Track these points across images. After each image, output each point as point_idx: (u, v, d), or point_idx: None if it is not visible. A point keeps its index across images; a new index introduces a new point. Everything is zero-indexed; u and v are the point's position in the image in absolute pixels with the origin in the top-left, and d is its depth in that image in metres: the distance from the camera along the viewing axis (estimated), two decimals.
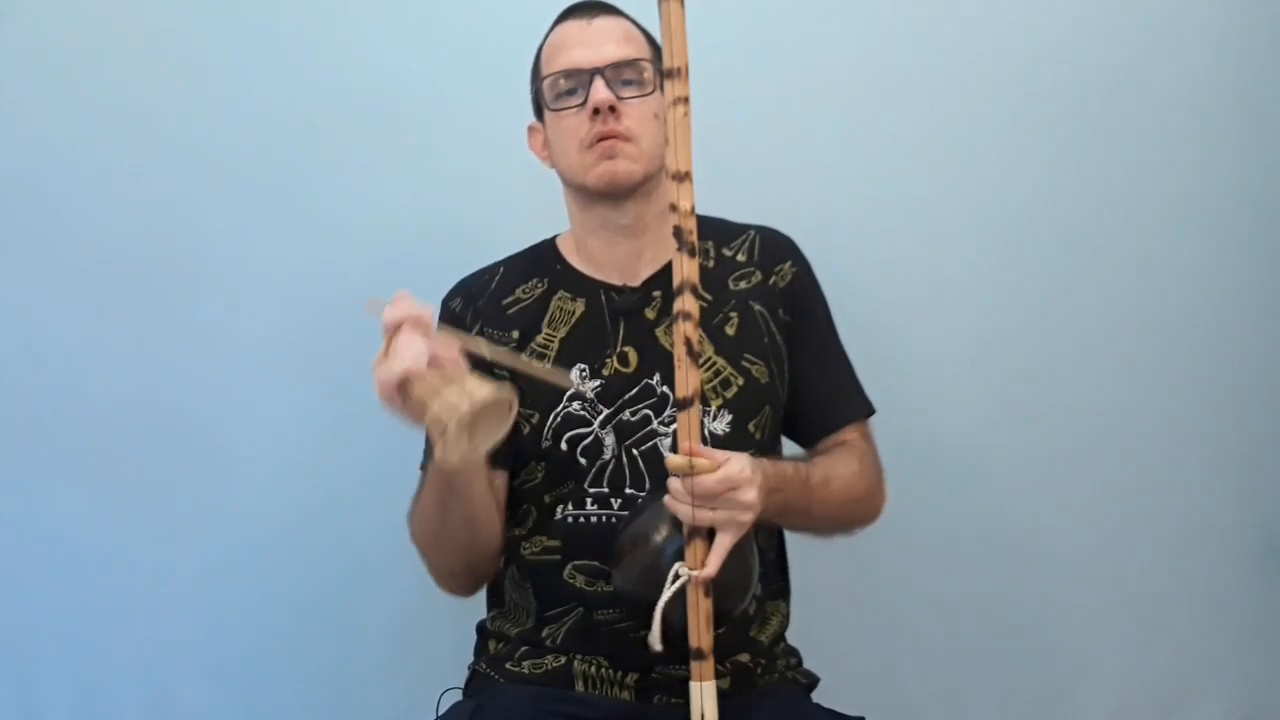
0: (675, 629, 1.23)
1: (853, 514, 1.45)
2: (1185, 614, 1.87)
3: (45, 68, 1.78)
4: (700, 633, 1.23)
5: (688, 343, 1.22)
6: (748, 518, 1.23)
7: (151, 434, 1.79)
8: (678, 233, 1.22)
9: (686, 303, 1.23)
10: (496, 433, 1.19)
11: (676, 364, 1.23)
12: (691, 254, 1.23)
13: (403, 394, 1.16)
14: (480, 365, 1.25)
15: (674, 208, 1.22)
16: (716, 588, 1.23)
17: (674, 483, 1.23)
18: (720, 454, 1.23)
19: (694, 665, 1.24)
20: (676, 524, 1.24)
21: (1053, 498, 1.85)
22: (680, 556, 1.23)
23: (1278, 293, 1.86)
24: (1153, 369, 1.85)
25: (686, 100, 1.21)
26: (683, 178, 1.21)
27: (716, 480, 1.21)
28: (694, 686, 1.24)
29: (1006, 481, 1.85)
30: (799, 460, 1.39)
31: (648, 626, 1.23)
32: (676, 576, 1.22)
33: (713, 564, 1.22)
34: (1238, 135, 1.85)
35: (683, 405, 1.23)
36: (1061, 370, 1.84)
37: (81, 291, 1.79)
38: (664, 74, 1.22)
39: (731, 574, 1.23)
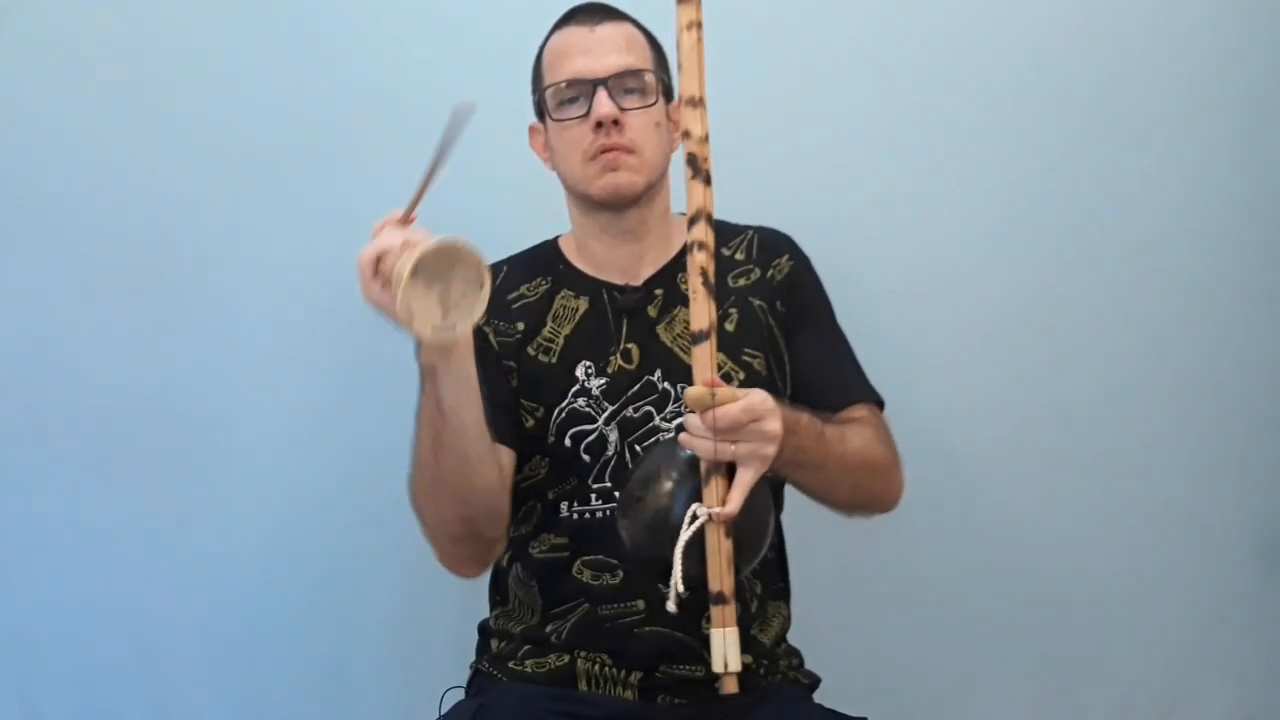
0: (692, 578, 1.15)
1: (869, 483, 1.40)
2: (1185, 614, 1.86)
3: (50, 61, 1.78)
4: (722, 575, 1.15)
5: (703, 273, 1.18)
6: (771, 450, 1.17)
7: (151, 434, 1.79)
8: (691, 160, 1.18)
9: (701, 232, 1.18)
10: (474, 307, 1.17)
11: (692, 295, 1.18)
12: (706, 182, 1.18)
13: (380, 282, 1.18)
14: None
15: (687, 134, 1.19)
16: (734, 534, 1.16)
17: (691, 419, 1.17)
18: (738, 390, 1.18)
19: (715, 611, 1.16)
20: (688, 467, 1.18)
21: (1052, 498, 1.85)
22: (696, 499, 1.16)
23: (1277, 292, 1.86)
24: (1152, 367, 1.85)
25: (699, 25, 1.18)
26: (696, 103, 1.18)
27: (741, 408, 1.15)
28: (715, 633, 1.17)
29: (1006, 482, 1.85)
30: (815, 414, 1.32)
31: (659, 579, 1.16)
32: (694, 518, 1.15)
33: (735, 500, 1.15)
34: (1240, 131, 1.85)
35: (698, 339, 1.17)
36: (1061, 369, 1.84)
37: (82, 288, 1.79)
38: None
39: (749, 523, 1.17)
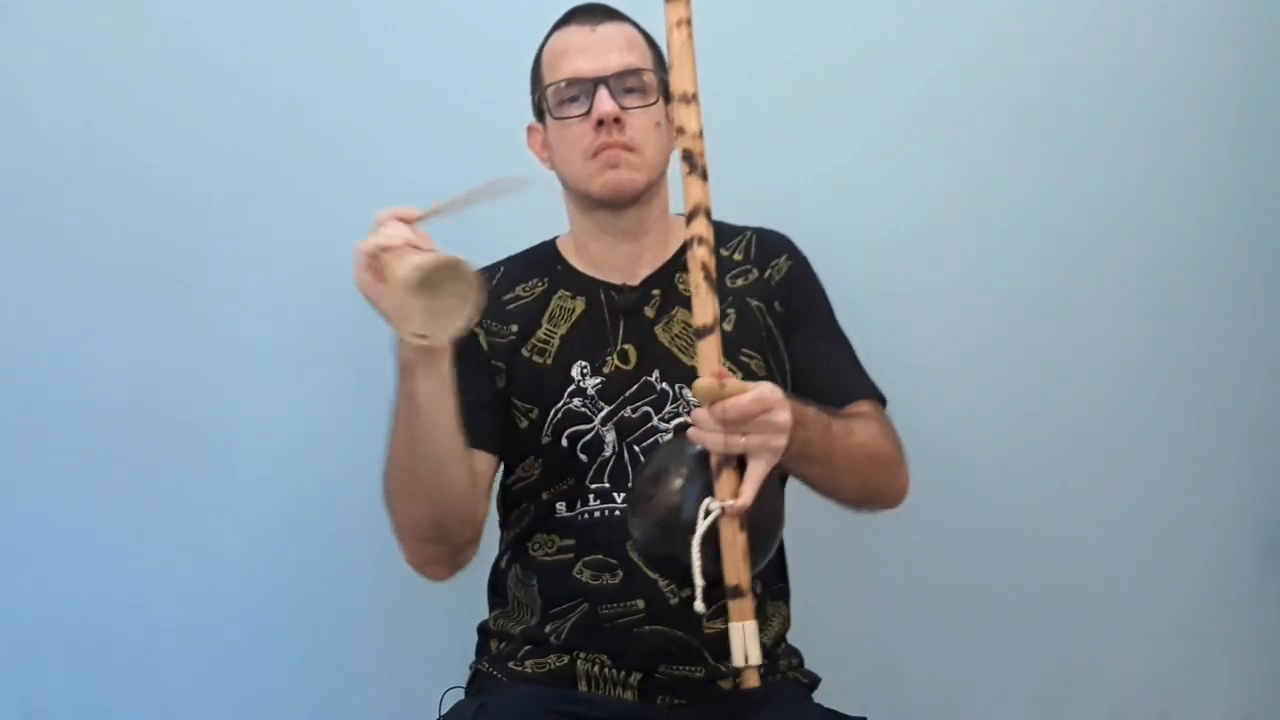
0: (709, 574, 1.14)
1: (875, 478, 1.39)
2: (1185, 613, 1.87)
3: (50, 61, 1.78)
4: (738, 568, 1.14)
5: (704, 268, 1.17)
6: (781, 441, 1.16)
7: (151, 434, 1.79)
8: (687, 155, 1.18)
9: (700, 227, 1.18)
10: (458, 319, 1.19)
11: (694, 290, 1.17)
12: (703, 177, 1.18)
13: (376, 276, 1.21)
14: None
15: (681, 130, 1.19)
16: (747, 528, 1.15)
17: (700, 413, 1.15)
18: (746, 382, 1.17)
19: (733, 605, 1.15)
20: (697, 463, 1.17)
21: (1052, 497, 1.85)
22: (706, 494, 1.15)
23: (1277, 290, 1.86)
24: (1152, 367, 1.85)
25: (689, 22, 1.18)
26: (689, 100, 1.18)
27: (751, 399, 1.14)
28: (734, 627, 1.15)
29: (1006, 481, 1.85)
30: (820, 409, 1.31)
31: (675, 578, 1.16)
32: (708, 512, 1.13)
33: (748, 491, 1.14)
34: (1239, 128, 1.85)
35: (702, 333, 1.17)
36: (1060, 368, 1.84)
37: (82, 288, 1.79)
38: None
39: (760, 517, 1.16)
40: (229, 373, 1.80)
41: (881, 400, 1.47)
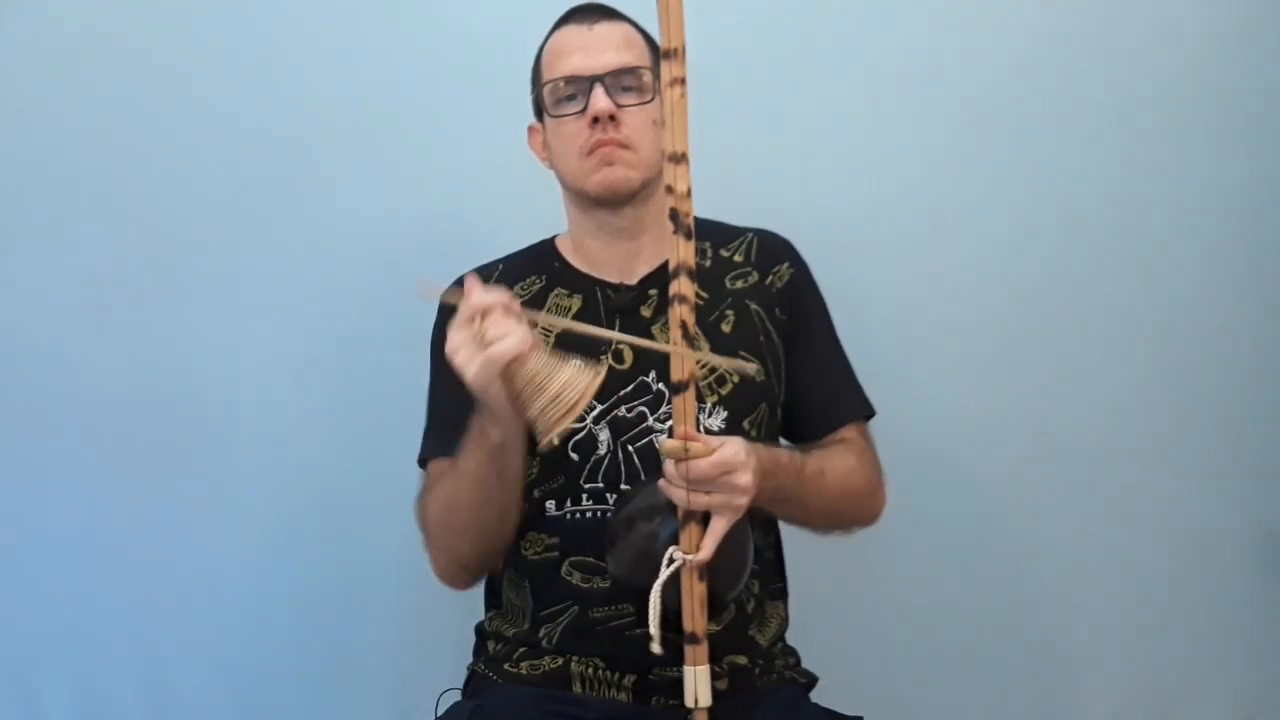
0: (669, 613, 1.22)
1: (850, 510, 1.44)
2: (1185, 614, 1.87)
3: (43, 71, 1.79)
4: (694, 617, 1.22)
5: (683, 326, 1.21)
6: (743, 501, 1.22)
7: (151, 434, 1.79)
8: (674, 215, 1.21)
9: (682, 286, 1.21)
10: (578, 403, 1.21)
11: (672, 348, 1.22)
12: (688, 237, 1.21)
13: (504, 378, 1.19)
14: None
15: (670, 190, 1.21)
16: (711, 572, 1.22)
17: (669, 467, 1.21)
18: (715, 439, 1.22)
19: (688, 650, 1.23)
20: (671, 507, 1.23)
21: (1052, 498, 1.85)
22: (674, 540, 1.22)
23: (1277, 293, 1.86)
24: (1153, 371, 1.85)
25: (683, 81, 1.19)
26: (679, 159, 1.20)
27: (711, 464, 1.20)
28: (688, 671, 1.23)
29: (1006, 482, 1.85)
30: (795, 450, 1.38)
31: (641, 613, 1.22)
32: (671, 561, 1.21)
33: (708, 548, 1.21)
34: (1243, 136, 1.85)
35: (677, 389, 1.21)
36: (1062, 372, 1.85)
37: (82, 292, 1.79)
38: (660, 54, 1.20)
39: (726, 559, 1.22)
40: (231, 370, 1.81)
41: (869, 415, 1.49)
